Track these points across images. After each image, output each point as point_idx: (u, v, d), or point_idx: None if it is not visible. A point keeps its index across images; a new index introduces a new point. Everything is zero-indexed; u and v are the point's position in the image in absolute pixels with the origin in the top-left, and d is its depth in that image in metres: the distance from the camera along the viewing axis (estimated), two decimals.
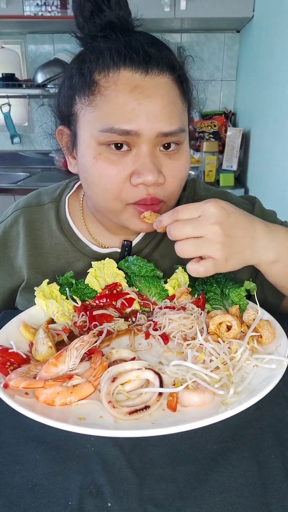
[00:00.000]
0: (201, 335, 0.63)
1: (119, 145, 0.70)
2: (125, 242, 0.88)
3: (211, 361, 0.59)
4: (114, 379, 0.55)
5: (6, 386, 0.55)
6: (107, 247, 0.91)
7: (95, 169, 0.72)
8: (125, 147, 0.70)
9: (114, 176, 0.71)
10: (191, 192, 0.94)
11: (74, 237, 0.91)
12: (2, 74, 2.88)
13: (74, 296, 0.79)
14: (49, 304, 0.76)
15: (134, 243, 0.90)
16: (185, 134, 0.74)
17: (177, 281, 0.82)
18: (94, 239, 0.91)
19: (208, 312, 0.73)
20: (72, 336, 0.70)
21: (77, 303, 0.78)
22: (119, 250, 0.90)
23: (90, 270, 0.82)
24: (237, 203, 0.80)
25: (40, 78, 2.80)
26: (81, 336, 0.62)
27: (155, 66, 0.69)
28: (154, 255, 0.91)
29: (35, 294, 0.77)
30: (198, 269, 0.63)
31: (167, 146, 0.72)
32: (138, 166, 0.70)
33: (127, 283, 0.83)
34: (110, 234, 0.90)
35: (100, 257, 0.87)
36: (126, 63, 0.68)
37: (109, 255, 0.88)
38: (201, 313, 0.72)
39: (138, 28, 0.78)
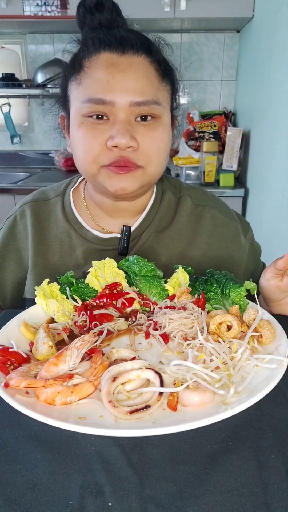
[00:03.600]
0: (202, 335, 0.63)
1: (100, 116, 0.79)
2: (124, 227, 0.93)
3: (211, 360, 0.59)
4: (114, 379, 0.55)
5: (6, 385, 0.56)
6: (109, 232, 0.96)
7: (78, 134, 0.82)
8: (104, 118, 0.79)
9: (92, 139, 0.80)
10: (177, 190, 1.01)
11: (78, 225, 0.96)
12: (2, 74, 2.87)
13: (74, 296, 0.79)
14: (49, 304, 0.76)
15: (133, 228, 0.95)
16: (161, 108, 0.81)
17: (178, 281, 0.82)
18: (97, 224, 0.97)
19: (208, 312, 0.74)
20: (72, 336, 0.70)
21: (77, 302, 0.78)
22: (119, 236, 0.94)
23: (90, 269, 0.82)
24: (230, 217, 1.00)
25: (40, 78, 2.80)
26: (82, 336, 0.62)
27: (131, 48, 0.79)
28: (154, 243, 0.96)
29: (35, 294, 0.77)
30: None
31: (144, 119, 0.80)
32: (113, 131, 0.78)
33: (127, 282, 0.83)
34: (109, 217, 0.96)
35: (101, 241, 0.94)
36: (105, 47, 0.79)
37: (110, 240, 0.94)
38: (201, 313, 0.72)
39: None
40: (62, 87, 0.86)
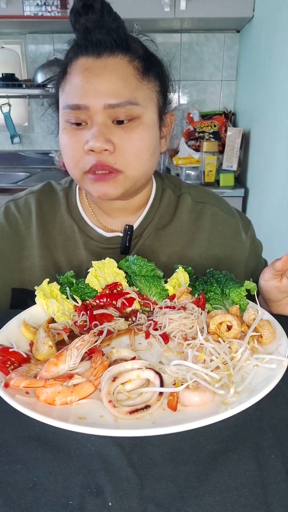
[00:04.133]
0: (202, 335, 0.63)
1: (78, 123, 0.80)
2: (127, 226, 0.94)
3: (211, 360, 0.59)
4: (114, 379, 0.55)
5: (6, 385, 0.56)
6: (111, 231, 0.97)
7: (62, 140, 0.84)
8: (83, 124, 0.80)
9: (73, 145, 0.81)
10: (177, 188, 1.01)
11: (82, 221, 0.97)
12: (2, 74, 2.87)
13: (74, 296, 0.79)
14: (49, 304, 0.76)
15: (134, 227, 0.95)
16: (139, 108, 0.80)
17: (178, 281, 0.82)
18: (99, 222, 0.97)
19: (208, 311, 0.74)
20: (72, 336, 0.70)
21: (77, 302, 0.78)
22: (121, 235, 0.95)
23: (90, 269, 0.82)
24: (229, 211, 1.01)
25: (40, 78, 2.80)
26: (82, 336, 0.62)
27: (107, 50, 0.79)
28: (155, 241, 0.96)
29: (35, 293, 0.78)
30: None
31: (121, 121, 0.80)
32: (89, 135, 0.79)
33: (127, 282, 0.83)
34: (108, 216, 0.97)
35: (104, 240, 0.95)
36: (82, 51, 0.80)
37: (112, 239, 0.95)
38: (201, 313, 0.72)
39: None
40: (55, 92, 0.88)
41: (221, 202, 1.03)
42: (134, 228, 0.95)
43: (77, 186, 1.01)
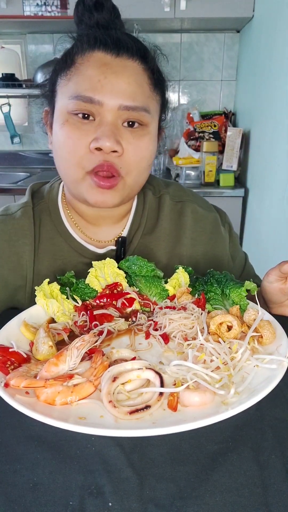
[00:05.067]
0: (202, 335, 0.63)
1: (86, 115, 0.76)
2: (120, 238, 0.92)
3: (211, 361, 0.59)
4: (114, 379, 0.55)
5: (6, 385, 0.55)
6: (103, 247, 0.93)
7: (62, 132, 0.78)
8: (90, 118, 0.76)
9: (76, 140, 0.76)
10: (156, 190, 1.00)
11: (70, 238, 0.92)
12: (2, 74, 2.87)
13: (74, 296, 0.79)
14: (49, 304, 0.76)
15: (123, 234, 0.94)
16: (149, 117, 0.79)
17: (178, 281, 0.82)
18: (87, 236, 0.93)
19: (208, 312, 0.74)
20: (72, 336, 0.70)
21: (77, 302, 0.78)
22: (113, 247, 0.93)
23: (90, 270, 0.82)
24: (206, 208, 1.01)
25: (40, 78, 2.80)
26: (82, 336, 0.62)
27: (126, 51, 0.77)
28: (143, 247, 0.95)
29: (35, 293, 0.77)
30: None
31: (131, 125, 0.78)
32: (98, 132, 0.75)
33: (127, 283, 0.83)
34: (94, 226, 0.93)
35: (98, 257, 0.90)
36: (100, 46, 0.77)
37: (106, 254, 0.92)
38: (201, 313, 0.72)
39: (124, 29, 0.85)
40: (51, 81, 0.83)
41: (198, 199, 1.04)
42: (124, 236, 0.93)
43: (59, 198, 0.94)
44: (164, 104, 0.87)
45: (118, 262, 0.85)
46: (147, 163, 0.83)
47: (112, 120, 0.76)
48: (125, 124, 0.78)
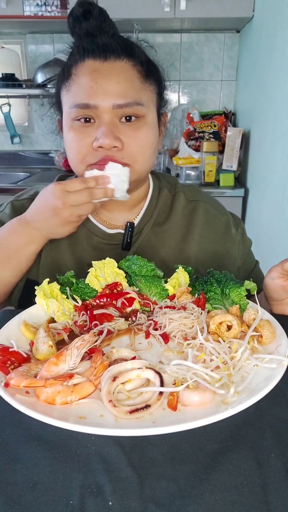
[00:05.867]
0: (202, 335, 0.63)
1: (87, 119, 0.85)
2: (128, 223, 0.97)
3: (211, 360, 0.59)
4: (114, 378, 0.55)
5: (7, 385, 0.56)
6: (114, 227, 1.01)
7: (68, 137, 0.88)
8: (91, 121, 0.85)
9: (80, 142, 0.86)
10: (173, 188, 1.06)
11: (86, 219, 0.99)
12: (2, 74, 2.87)
13: (74, 296, 0.79)
14: (49, 304, 0.76)
15: (135, 223, 0.99)
16: (144, 108, 0.86)
17: (178, 281, 0.82)
18: (101, 219, 1.01)
19: (208, 311, 0.74)
20: (72, 336, 0.70)
21: (77, 302, 0.78)
22: (122, 231, 0.99)
23: (90, 269, 0.82)
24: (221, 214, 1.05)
25: (40, 78, 2.80)
26: (82, 336, 0.62)
27: (112, 54, 0.84)
28: (153, 237, 1.00)
29: (35, 293, 0.78)
30: None
31: (129, 119, 0.85)
32: (98, 133, 0.83)
33: (127, 282, 0.83)
34: (108, 212, 1.01)
35: (107, 236, 0.99)
36: (89, 54, 0.85)
37: (115, 235, 0.99)
38: (201, 313, 0.72)
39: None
40: (56, 93, 0.92)
41: (213, 201, 1.08)
42: (135, 225, 0.98)
43: None
44: (160, 91, 0.93)
45: (124, 247, 0.95)
46: (150, 150, 0.90)
47: (109, 120, 0.83)
48: (123, 119, 0.85)
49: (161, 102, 0.94)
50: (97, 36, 0.85)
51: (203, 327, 0.68)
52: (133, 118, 0.85)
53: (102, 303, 0.78)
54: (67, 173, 1.09)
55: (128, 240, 0.96)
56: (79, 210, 0.82)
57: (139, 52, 0.87)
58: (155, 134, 0.91)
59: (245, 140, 2.55)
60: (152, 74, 0.89)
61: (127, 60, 0.85)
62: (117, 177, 0.83)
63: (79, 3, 0.85)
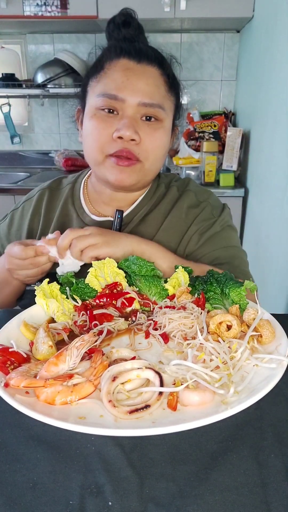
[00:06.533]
0: (201, 335, 0.63)
1: (111, 110, 0.91)
2: (117, 211, 1.00)
3: (211, 360, 0.59)
4: (114, 378, 0.55)
5: (6, 385, 0.56)
6: (104, 216, 1.05)
7: (90, 124, 0.93)
8: (114, 113, 0.91)
9: (101, 130, 0.91)
10: (183, 185, 1.09)
11: (81, 210, 1.07)
12: (2, 74, 2.87)
13: (74, 296, 0.79)
14: (49, 304, 0.76)
15: (125, 213, 1.03)
16: (164, 113, 0.93)
17: (177, 281, 0.82)
18: (95, 210, 1.07)
19: (208, 311, 0.74)
20: (72, 336, 0.70)
21: (77, 302, 0.78)
22: (112, 219, 1.02)
23: (90, 269, 0.82)
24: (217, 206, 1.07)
25: (40, 78, 2.79)
26: (82, 336, 0.62)
27: (146, 58, 0.92)
28: (142, 224, 1.03)
29: (35, 293, 0.78)
30: None
31: (149, 119, 0.92)
32: (120, 124, 0.89)
33: (127, 282, 0.83)
34: (105, 205, 1.06)
35: (96, 224, 1.03)
36: (125, 54, 0.92)
37: (104, 222, 1.03)
38: (201, 313, 0.72)
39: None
40: (83, 84, 0.99)
41: (199, 191, 1.08)
42: (126, 214, 1.03)
43: (83, 181, 1.11)
44: (178, 105, 1.01)
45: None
46: (162, 151, 0.96)
47: (132, 114, 0.90)
48: (144, 118, 0.92)
49: (177, 114, 1.01)
50: (134, 42, 0.94)
51: (203, 327, 0.68)
52: (152, 119, 0.91)
53: (102, 303, 0.78)
54: (67, 173, 1.11)
55: (118, 227, 0.99)
56: (27, 272, 0.89)
57: (167, 64, 0.96)
58: (168, 140, 0.98)
59: (245, 140, 2.55)
60: (174, 87, 0.97)
61: (157, 68, 0.93)
62: (70, 265, 0.86)
63: (122, 13, 0.95)
